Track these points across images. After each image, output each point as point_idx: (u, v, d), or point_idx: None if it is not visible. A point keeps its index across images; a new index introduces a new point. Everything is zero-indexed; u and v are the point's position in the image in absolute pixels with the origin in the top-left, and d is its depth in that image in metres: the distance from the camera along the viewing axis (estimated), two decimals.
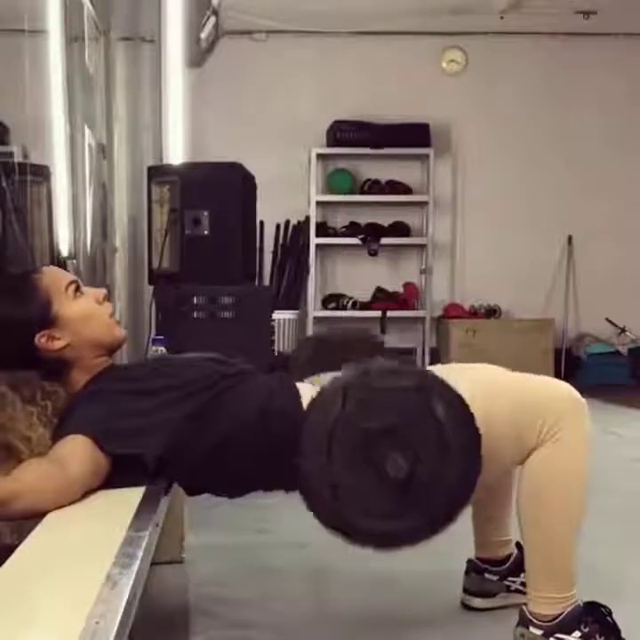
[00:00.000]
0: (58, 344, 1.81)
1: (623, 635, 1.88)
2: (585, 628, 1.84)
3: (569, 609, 1.84)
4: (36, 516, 1.53)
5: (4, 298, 1.84)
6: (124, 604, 1.12)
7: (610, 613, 1.88)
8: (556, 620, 1.84)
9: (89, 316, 1.85)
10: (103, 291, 1.92)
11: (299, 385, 1.88)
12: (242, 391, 1.83)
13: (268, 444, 1.77)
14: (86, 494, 1.63)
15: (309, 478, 1.69)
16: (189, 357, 1.99)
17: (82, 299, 1.85)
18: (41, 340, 1.80)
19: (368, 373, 1.73)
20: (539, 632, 1.85)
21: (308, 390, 1.83)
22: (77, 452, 1.64)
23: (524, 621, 1.88)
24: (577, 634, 1.84)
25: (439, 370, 1.87)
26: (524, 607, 1.90)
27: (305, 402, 1.79)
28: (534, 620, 1.86)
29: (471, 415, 1.68)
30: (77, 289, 1.86)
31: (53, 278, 1.86)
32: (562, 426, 1.80)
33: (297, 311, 6.72)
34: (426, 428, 1.66)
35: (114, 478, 1.69)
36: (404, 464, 1.63)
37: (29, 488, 1.54)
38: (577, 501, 1.85)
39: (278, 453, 1.75)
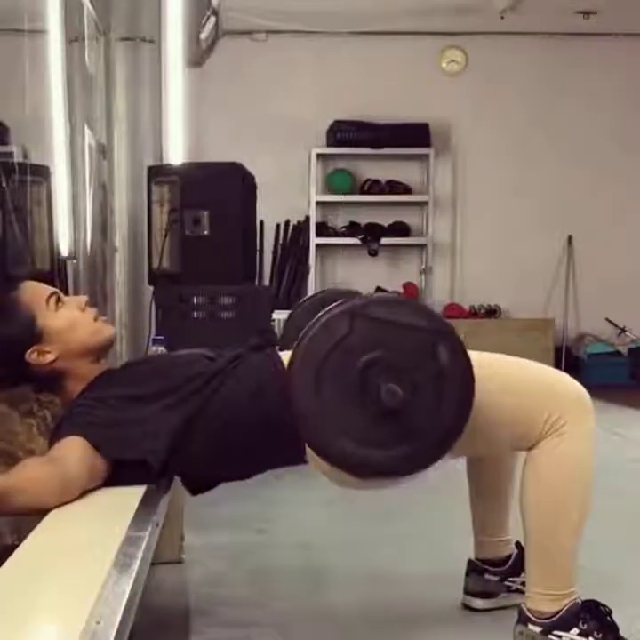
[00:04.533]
0: (49, 357, 1.83)
1: (623, 634, 1.87)
2: (583, 624, 1.84)
3: (567, 606, 1.84)
4: (31, 514, 1.53)
5: None
6: (123, 604, 1.12)
7: (609, 612, 1.88)
8: (555, 618, 1.84)
9: (74, 325, 1.86)
10: (85, 297, 1.94)
11: (283, 355, 1.89)
12: (234, 382, 1.84)
13: (266, 423, 1.79)
14: (86, 493, 1.64)
15: (301, 400, 1.71)
16: (182, 355, 2.00)
17: (64, 309, 1.87)
18: (31, 355, 1.82)
19: (378, 302, 1.76)
20: (537, 629, 1.85)
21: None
22: (74, 453, 1.65)
23: (523, 619, 1.88)
24: (575, 631, 1.84)
25: None
26: (523, 605, 1.90)
27: None
28: (533, 618, 1.86)
29: (471, 369, 1.70)
30: (58, 300, 1.87)
31: (34, 293, 1.87)
32: (567, 420, 1.81)
33: None
34: (426, 368, 1.69)
35: (117, 478, 1.70)
36: (400, 392, 1.65)
37: (26, 486, 1.55)
38: (580, 499, 1.84)
39: (277, 428, 1.78)
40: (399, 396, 1.64)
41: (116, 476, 1.71)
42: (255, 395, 1.81)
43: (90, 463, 1.66)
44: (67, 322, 1.85)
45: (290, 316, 2.45)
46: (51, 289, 1.90)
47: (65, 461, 1.62)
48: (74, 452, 1.65)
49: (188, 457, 1.78)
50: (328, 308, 1.74)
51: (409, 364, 1.69)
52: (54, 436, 1.74)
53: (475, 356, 1.76)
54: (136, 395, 1.80)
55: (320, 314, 1.74)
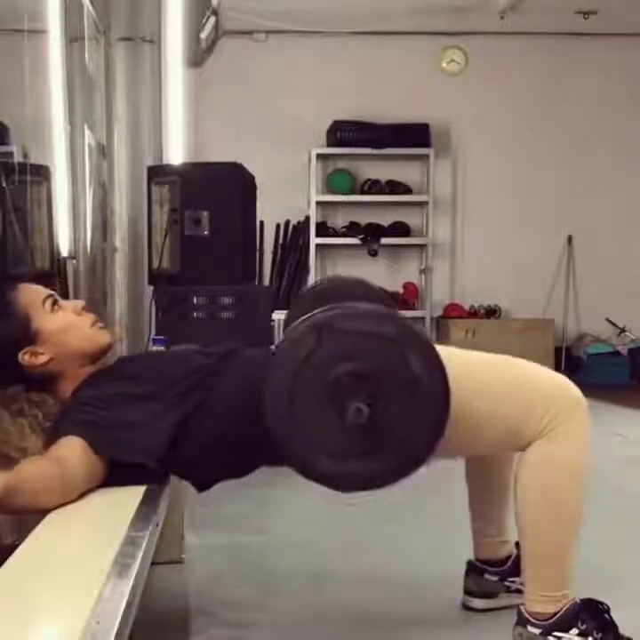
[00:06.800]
0: (41, 359, 1.83)
1: (623, 633, 1.87)
2: (582, 625, 1.84)
3: (566, 606, 1.84)
4: (32, 513, 1.54)
5: None
6: (123, 604, 1.12)
7: (608, 610, 1.88)
8: (554, 619, 1.84)
9: (69, 329, 1.86)
10: (81, 302, 1.93)
11: None
12: (229, 378, 1.84)
13: (259, 420, 1.76)
14: (86, 493, 1.64)
15: (274, 416, 1.69)
16: (176, 352, 2.02)
17: (60, 312, 1.87)
18: (24, 357, 1.82)
19: (344, 314, 1.72)
20: (536, 631, 1.85)
21: None
22: (74, 453, 1.65)
23: (522, 620, 1.88)
24: (574, 631, 1.83)
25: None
26: (521, 606, 1.89)
27: None
28: (532, 619, 1.86)
29: (444, 373, 1.66)
30: (55, 303, 1.87)
31: (30, 294, 1.87)
32: (562, 420, 1.80)
33: None
34: (398, 377, 1.65)
35: (115, 477, 1.70)
36: (365, 410, 1.61)
37: (27, 486, 1.55)
38: (575, 500, 1.84)
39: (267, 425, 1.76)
40: (365, 414, 1.61)
41: (116, 476, 1.71)
42: (248, 390, 1.79)
43: (89, 464, 1.66)
44: (62, 324, 1.85)
45: (294, 303, 2.43)
46: (47, 291, 1.90)
47: (65, 461, 1.62)
48: (74, 451, 1.65)
49: (183, 456, 1.78)
50: (295, 323, 1.72)
51: (380, 375, 1.65)
52: (52, 434, 1.74)
53: (473, 357, 1.75)
54: (132, 393, 1.80)
55: (288, 329, 1.72)
